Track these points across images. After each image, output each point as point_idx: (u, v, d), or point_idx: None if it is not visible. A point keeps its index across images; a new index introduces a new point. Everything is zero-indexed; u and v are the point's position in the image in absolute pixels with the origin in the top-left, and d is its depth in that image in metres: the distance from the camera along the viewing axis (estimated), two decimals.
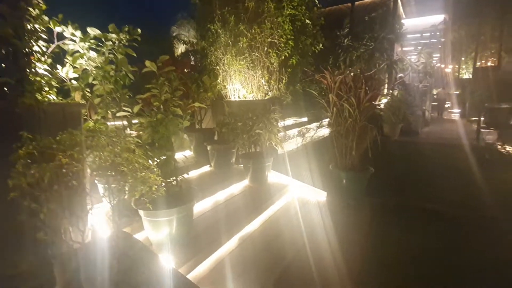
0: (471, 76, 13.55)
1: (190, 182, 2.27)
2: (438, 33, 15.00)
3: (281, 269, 1.89)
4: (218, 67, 3.85)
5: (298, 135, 5.16)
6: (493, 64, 10.56)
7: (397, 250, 2.31)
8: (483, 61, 12.19)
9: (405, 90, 9.41)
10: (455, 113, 14.46)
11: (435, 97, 15.15)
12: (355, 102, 2.93)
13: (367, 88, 2.91)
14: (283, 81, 3.55)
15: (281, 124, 3.80)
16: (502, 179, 4.05)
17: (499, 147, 5.45)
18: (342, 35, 9.03)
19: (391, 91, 10.72)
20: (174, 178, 1.87)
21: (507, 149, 5.17)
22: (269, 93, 3.59)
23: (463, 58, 14.84)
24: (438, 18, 14.72)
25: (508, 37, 10.71)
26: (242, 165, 3.17)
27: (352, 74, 3.15)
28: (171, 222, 1.76)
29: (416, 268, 2.11)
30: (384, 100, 8.60)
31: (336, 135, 3.23)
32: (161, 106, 1.92)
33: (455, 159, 5.27)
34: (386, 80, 11.19)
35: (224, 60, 3.75)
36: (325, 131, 5.38)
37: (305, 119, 6.02)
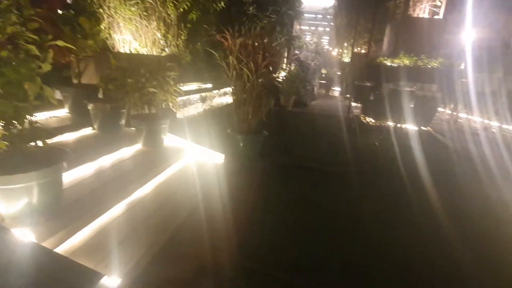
0: (350, 60, 16.15)
1: (65, 146, 1.88)
2: (328, 16, 16.85)
3: (172, 230, 1.86)
4: (101, 10, 3.19)
5: (200, 100, 5.02)
6: (364, 51, 12.79)
7: (280, 202, 2.63)
8: (359, 48, 14.61)
9: (299, 66, 10.39)
10: (337, 91, 17.09)
11: (323, 76, 17.44)
12: (253, 67, 3.01)
13: (265, 54, 3.02)
14: (182, 37, 3.27)
15: (183, 88, 3.58)
16: (363, 143, 5.13)
17: (362, 118, 6.82)
18: (248, 2, 8.98)
19: (288, 65, 11.59)
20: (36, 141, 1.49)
21: (367, 119, 6.54)
22: (166, 49, 3.26)
23: (345, 44, 17.37)
24: (330, 2, 16.43)
25: (377, 30, 13.08)
26: (134, 128, 2.86)
27: (252, 39, 3.19)
28: (31, 189, 1.43)
29: (297, 215, 2.47)
30: (282, 74, 9.27)
31: (236, 100, 3.29)
32: (7, 42, 1.45)
33: (331, 127, 6.31)
34: (286, 55, 12.02)
35: (109, 2, 3.13)
36: (229, 99, 5.42)
37: (209, 85, 5.88)
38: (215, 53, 3.11)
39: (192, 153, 3.16)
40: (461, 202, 3.00)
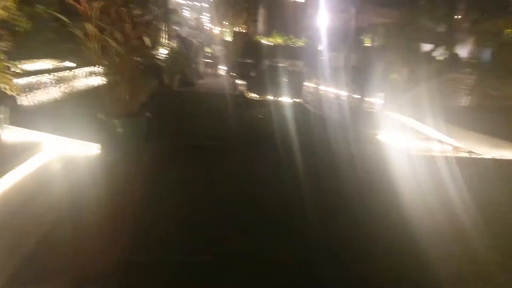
0: (232, 38, 16.53)
1: None
2: None
3: (27, 252, 1.47)
4: None
5: (58, 82, 4.04)
6: (244, 30, 13.33)
7: (171, 186, 2.51)
8: (238, 28, 15.09)
9: (181, 43, 9.85)
10: (223, 69, 17.34)
11: (209, 54, 17.22)
12: (122, 38, 2.59)
13: (135, 22, 2.64)
14: None
15: (28, 67, 2.75)
16: (249, 116, 5.45)
17: (246, 94, 7.21)
18: None
19: (169, 42, 10.79)
20: None
21: (251, 95, 6.97)
22: None
23: (225, 22, 17.56)
24: None
25: (253, 10, 13.78)
26: None
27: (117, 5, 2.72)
28: None
29: (191, 197, 2.41)
30: (163, 52, 8.56)
31: (108, 79, 2.80)
32: None
33: (219, 104, 6.42)
34: (166, 30, 11.12)
35: None
36: (99, 80, 4.58)
37: (71, 64, 4.79)
38: (65, 19, 2.49)
39: (54, 147, 2.54)
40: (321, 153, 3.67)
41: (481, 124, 4.43)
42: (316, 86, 8.79)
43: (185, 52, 8.74)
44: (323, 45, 10.00)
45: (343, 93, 7.86)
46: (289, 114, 5.72)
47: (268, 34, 11.59)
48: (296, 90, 7.30)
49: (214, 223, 2.05)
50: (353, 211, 2.42)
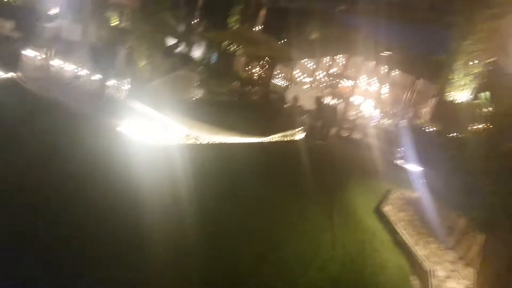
0: None
1: None
2: None
3: None
4: None
5: None
6: None
7: None
8: None
9: None
10: None
11: None
12: None
13: None
14: None
15: None
16: None
17: None
18: None
19: None
20: None
21: None
22: None
23: None
24: None
25: None
26: None
27: None
28: None
29: None
30: None
31: None
32: None
33: None
34: None
35: None
36: None
37: None
38: None
39: None
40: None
41: (206, 115, 5.49)
42: (43, 58, 6.79)
43: None
44: (50, 9, 7.89)
45: (81, 73, 6.68)
46: None
47: None
48: (8, 60, 5.25)
49: None
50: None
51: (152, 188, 2.76)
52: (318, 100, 11.82)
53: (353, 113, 14.99)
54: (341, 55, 14.81)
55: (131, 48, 7.20)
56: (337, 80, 15.36)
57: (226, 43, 14.47)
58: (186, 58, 10.06)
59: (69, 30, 7.71)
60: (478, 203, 2.08)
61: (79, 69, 6.73)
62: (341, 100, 16.98)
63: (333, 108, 9.81)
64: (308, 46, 15.03)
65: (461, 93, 8.73)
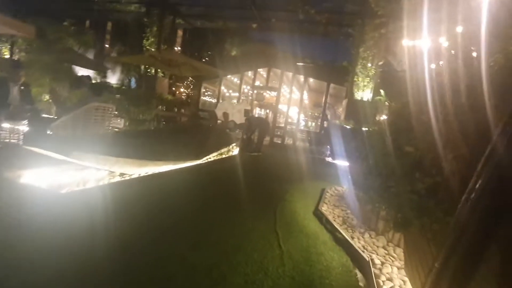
0: None
1: None
2: None
3: None
4: None
5: None
6: None
7: None
8: None
9: None
10: None
11: None
12: None
13: None
14: None
15: None
16: None
17: None
18: None
19: None
20: None
21: None
22: None
23: None
24: None
25: None
26: None
27: None
28: None
29: None
30: None
31: None
32: None
33: None
34: None
35: None
36: None
37: None
38: None
39: None
40: None
41: (131, 147, 5.01)
42: None
43: None
44: None
45: None
46: None
47: None
48: None
49: None
50: None
51: (70, 244, 2.33)
52: (248, 113, 12.14)
53: (282, 120, 15.88)
54: (262, 69, 15.64)
55: (27, 83, 6.19)
56: (262, 92, 16.13)
57: (144, 67, 13.79)
58: (99, 87, 9.17)
59: None
60: (388, 202, 2.35)
61: None
62: (269, 110, 17.86)
63: (262, 119, 10.20)
64: (230, 62, 15.46)
65: (363, 93, 10.17)
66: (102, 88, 9.85)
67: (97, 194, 3.57)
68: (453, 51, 2.21)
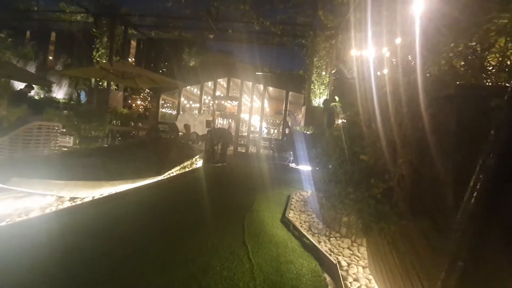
0: None
1: None
2: None
3: None
4: None
5: None
6: None
7: None
8: None
9: None
10: None
11: None
12: None
13: None
14: None
15: None
16: None
17: None
18: None
19: None
20: None
21: None
22: None
23: None
24: None
25: None
26: None
27: None
28: None
29: None
30: None
31: None
32: None
33: None
34: None
35: None
36: None
37: None
38: None
39: None
40: None
41: (83, 168, 4.59)
42: None
43: None
44: None
45: None
46: None
47: None
48: None
49: None
50: None
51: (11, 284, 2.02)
52: (209, 124, 12.00)
53: (245, 129, 15.97)
54: (221, 79, 15.64)
55: None
56: (223, 102, 16.10)
57: (95, 79, 12.93)
58: (44, 103, 8.38)
59: None
60: (349, 209, 2.46)
61: None
62: (231, 119, 17.85)
63: (225, 130, 10.14)
64: (189, 73, 15.22)
65: (319, 99, 10.72)
66: (45, 105, 8.99)
67: (43, 223, 3.20)
68: (394, 61, 2.42)
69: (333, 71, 10.35)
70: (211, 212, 4.35)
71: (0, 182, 3.49)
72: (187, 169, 7.56)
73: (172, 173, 6.67)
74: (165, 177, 6.22)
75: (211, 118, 13.90)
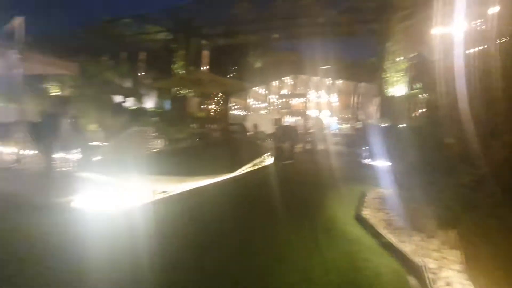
0: None
1: None
2: None
3: None
4: None
5: None
6: None
7: None
8: None
9: None
10: None
11: None
12: None
13: None
14: None
15: None
16: None
17: None
18: None
19: None
20: None
21: None
22: None
23: None
24: None
25: None
26: None
27: None
28: None
29: None
30: None
31: None
32: None
33: None
34: None
35: None
36: None
37: None
38: None
39: None
40: None
41: (170, 165, 5.30)
42: None
43: None
44: None
45: (23, 154, 6.22)
46: None
47: None
48: None
49: None
50: None
51: (123, 260, 2.51)
52: (277, 122, 12.17)
53: (312, 126, 15.64)
54: (287, 77, 15.69)
55: (75, 115, 6.89)
56: (290, 100, 16.11)
57: (175, 89, 14.59)
58: (138, 113, 9.86)
59: (2, 112, 7.25)
60: (434, 199, 2.18)
61: (20, 150, 6.26)
62: (299, 117, 17.73)
63: (291, 127, 10.15)
64: (255, 74, 15.74)
65: (396, 88, 9.68)
66: (139, 114, 10.60)
67: (141, 212, 3.81)
68: (489, 35, 2.05)
69: (412, 55, 9.24)
70: (282, 207, 4.43)
71: (110, 177, 4.30)
72: (257, 167, 7.87)
73: (244, 170, 7.05)
74: (239, 174, 6.61)
75: (278, 117, 14.11)
